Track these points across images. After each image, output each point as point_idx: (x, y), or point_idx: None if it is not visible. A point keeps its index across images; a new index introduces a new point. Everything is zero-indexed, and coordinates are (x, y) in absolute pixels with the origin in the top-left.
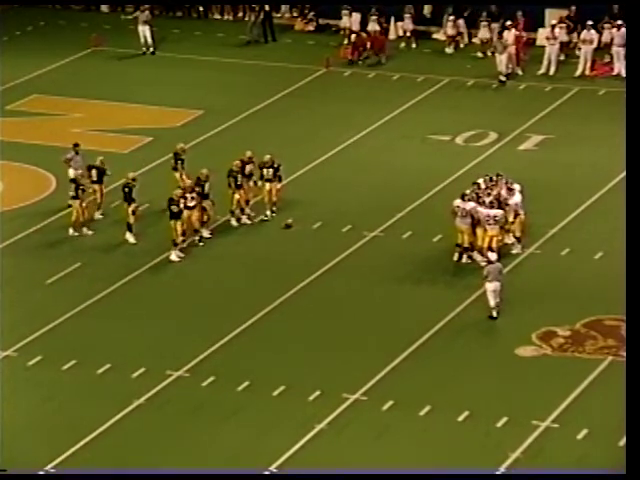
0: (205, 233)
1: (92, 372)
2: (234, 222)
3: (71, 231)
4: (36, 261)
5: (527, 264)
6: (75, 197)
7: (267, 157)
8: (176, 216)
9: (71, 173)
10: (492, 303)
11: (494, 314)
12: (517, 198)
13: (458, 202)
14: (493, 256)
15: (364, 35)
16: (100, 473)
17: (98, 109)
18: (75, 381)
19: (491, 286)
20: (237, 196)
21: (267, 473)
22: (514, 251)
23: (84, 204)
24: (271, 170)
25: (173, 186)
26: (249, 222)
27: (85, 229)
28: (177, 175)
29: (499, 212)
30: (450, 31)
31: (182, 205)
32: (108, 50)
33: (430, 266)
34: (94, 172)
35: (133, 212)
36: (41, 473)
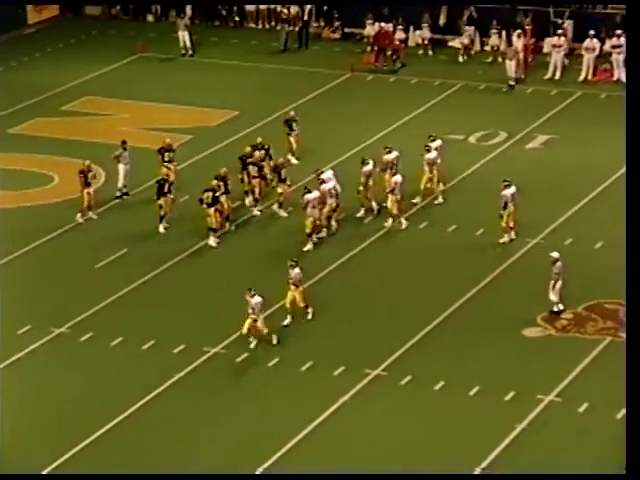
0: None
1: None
2: (281, 212)
3: (79, 216)
4: (86, 248)
5: (533, 253)
6: (88, 185)
7: (259, 139)
8: (214, 204)
9: (120, 168)
10: (554, 298)
11: (560, 308)
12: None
13: None
14: (555, 254)
15: (384, 29)
16: (101, 473)
17: (143, 109)
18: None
19: (558, 284)
20: (280, 190)
21: (292, 444)
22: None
23: (91, 192)
24: (263, 152)
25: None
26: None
27: (91, 213)
28: (291, 139)
29: None
30: (466, 40)
31: (219, 193)
32: (153, 56)
33: (444, 254)
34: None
35: (160, 206)
36: (41, 473)
